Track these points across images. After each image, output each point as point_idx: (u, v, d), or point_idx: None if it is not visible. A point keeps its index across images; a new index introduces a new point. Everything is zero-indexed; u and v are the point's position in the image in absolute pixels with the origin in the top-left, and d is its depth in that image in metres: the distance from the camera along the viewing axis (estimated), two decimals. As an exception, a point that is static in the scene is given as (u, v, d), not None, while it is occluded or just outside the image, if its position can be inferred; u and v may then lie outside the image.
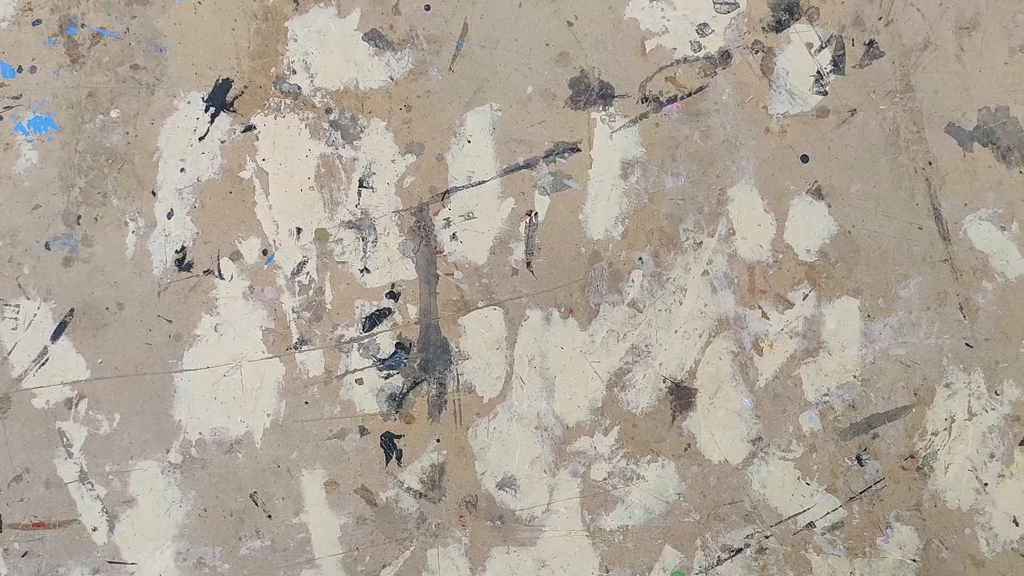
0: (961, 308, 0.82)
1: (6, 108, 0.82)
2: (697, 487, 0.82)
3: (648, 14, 0.83)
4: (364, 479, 0.81)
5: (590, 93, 0.83)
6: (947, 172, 0.83)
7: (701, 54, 0.83)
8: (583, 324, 0.82)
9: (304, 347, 0.81)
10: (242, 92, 0.83)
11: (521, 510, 0.81)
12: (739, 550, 0.81)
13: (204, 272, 0.82)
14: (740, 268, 0.82)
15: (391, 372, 0.81)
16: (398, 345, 0.81)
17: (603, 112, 0.83)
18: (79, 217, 0.82)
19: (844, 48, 0.83)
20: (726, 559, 0.81)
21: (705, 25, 0.83)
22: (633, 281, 0.82)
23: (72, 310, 0.81)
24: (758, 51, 0.84)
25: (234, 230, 0.82)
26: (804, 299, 0.82)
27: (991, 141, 0.83)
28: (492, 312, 0.82)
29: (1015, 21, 0.83)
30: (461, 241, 0.82)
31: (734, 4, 0.84)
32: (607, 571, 0.81)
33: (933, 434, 0.82)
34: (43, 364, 0.81)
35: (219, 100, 0.83)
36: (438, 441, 0.82)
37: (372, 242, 0.82)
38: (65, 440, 0.81)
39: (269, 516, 0.81)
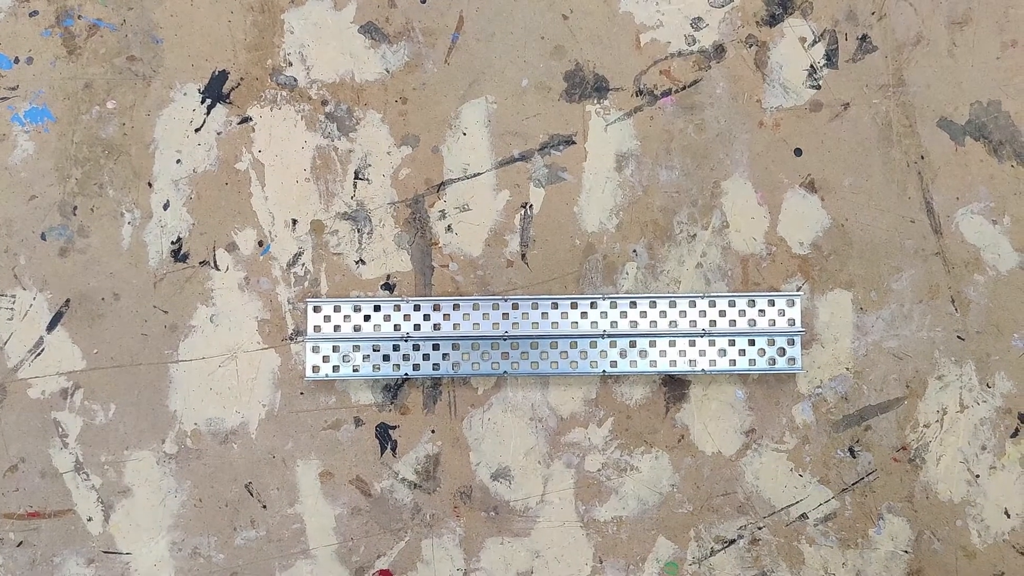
0: (953, 301, 0.82)
1: (3, 99, 0.82)
2: (691, 478, 0.82)
3: (643, 8, 0.84)
4: (359, 470, 0.81)
5: (585, 86, 0.83)
6: (939, 166, 0.83)
7: (695, 48, 0.84)
8: (577, 316, 0.82)
9: (299, 338, 0.82)
10: (238, 84, 0.83)
11: (515, 501, 0.82)
12: (732, 541, 0.82)
13: (200, 263, 0.82)
14: (734, 260, 0.83)
15: (386, 363, 0.82)
16: (393, 336, 0.82)
17: (598, 105, 0.83)
18: (75, 208, 0.82)
19: (837, 42, 0.84)
20: (719, 550, 0.82)
21: (699, 19, 0.84)
22: (627, 273, 0.82)
23: (68, 300, 0.81)
24: (752, 45, 0.84)
25: (230, 221, 0.82)
26: (797, 291, 0.82)
27: (983, 135, 0.83)
28: (487, 304, 0.82)
29: (1007, 16, 0.84)
30: (456, 233, 0.83)
31: (728, -2, 0.84)
32: (601, 562, 0.82)
33: (925, 426, 0.82)
34: (39, 354, 0.81)
35: (215, 92, 0.83)
36: (433, 432, 0.82)
37: (367, 234, 0.83)
38: (60, 430, 0.81)
39: (264, 506, 0.81)
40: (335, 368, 0.80)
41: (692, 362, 0.80)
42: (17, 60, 0.83)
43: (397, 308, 0.80)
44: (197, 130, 0.83)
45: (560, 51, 0.84)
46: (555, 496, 0.82)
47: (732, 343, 0.80)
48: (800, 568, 0.82)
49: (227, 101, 0.83)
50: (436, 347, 0.80)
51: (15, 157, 0.82)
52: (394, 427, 0.82)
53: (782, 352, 0.80)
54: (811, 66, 0.84)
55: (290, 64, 0.83)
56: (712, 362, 0.80)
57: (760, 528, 0.82)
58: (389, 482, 0.81)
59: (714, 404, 0.82)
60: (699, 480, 0.82)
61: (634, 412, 0.82)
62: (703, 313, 0.81)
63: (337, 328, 0.80)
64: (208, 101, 0.83)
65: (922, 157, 0.83)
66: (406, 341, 0.80)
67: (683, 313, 0.81)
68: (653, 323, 0.80)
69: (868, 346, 0.82)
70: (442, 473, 0.82)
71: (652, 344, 0.80)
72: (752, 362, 0.80)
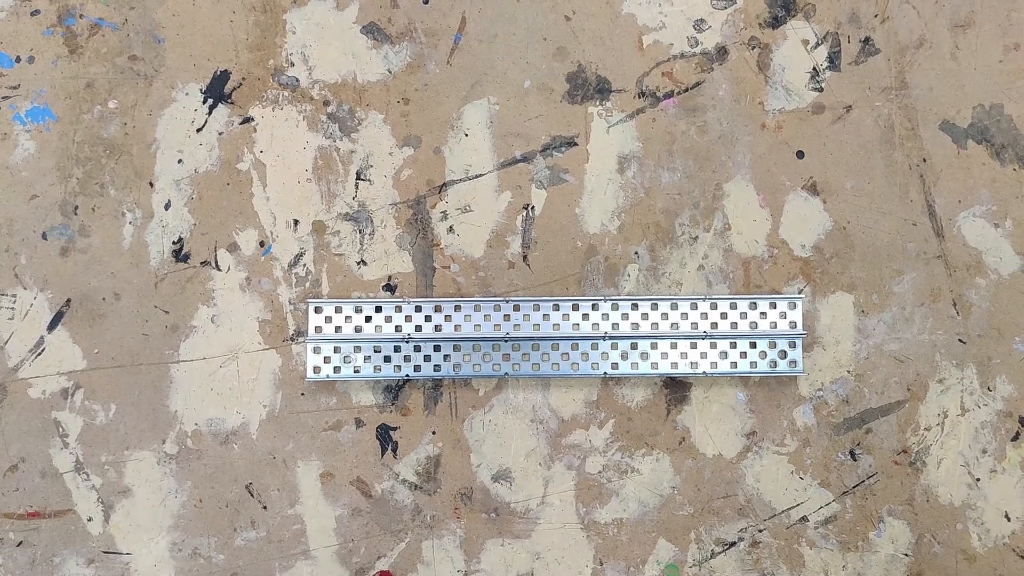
0: (954, 304, 0.82)
1: (4, 98, 0.82)
2: (691, 481, 0.82)
3: (645, 9, 0.84)
4: (359, 471, 0.81)
5: (587, 87, 0.83)
6: (941, 169, 0.83)
7: (698, 50, 0.84)
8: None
9: (300, 338, 0.82)
10: (240, 84, 0.83)
11: (516, 503, 0.82)
12: (733, 544, 0.82)
13: (201, 263, 0.82)
14: (735, 263, 0.83)
15: (387, 364, 0.82)
16: (394, 337, 0.82)
17: (600, 107, 0.83)
18: (76, 207, 0.82)
19: (840, 45, 0.84)
20: (720, 552, 0.82)
21: (702, 21, 0.84)
22: (629, 275, 0.82)
23: (69, 300, 0.81)
24: (755, 47, 0.84)
25: (231, 221, 0.82)
26: (799, 294, 0.82)
27: (985, 139, 0.83)
28: (488, 305, 0.82)
29: (1009, 19, 0.84)
30: (458, 234, 0.83)
31: (731, 0, 0.84)
32: (601, 564, 0.82)
33: (926, 429, 0.82)
34: (39, 354, 0.81)
35: (217, 92, 0.83)
36: (434, 433, 0.82)
37: (369, 234, 0.82)
38: (61, 430, 0.81)
39: (264, 507, 0.81)
40: (336, 369, 0.80)
41: (693, 364, 0.80)
42: (19, 59, 0.82)
43: (398, 309, 0.80)
44: (199, 130, 0.83)
45: (562, 52, 0.84)
46: (556, 498, 0.82)
47: (733, 346, 0.80)
48: (800, 571, 0.82)
49: (229, 101, 0.83)
50: (437, 348, 0.80)
51: (16, 156, 0.82)
52: (395, 428, 0.82)
53: (783, 355, 0.80)
54: (814, 68, 0.84)
55: (292, 64, 0.83)
56: (713, 364, 0.80)
57: (761, 531, 0.82)
58: (390, 483, 0.81)
59: (715, 406, 0.82)
60: (700, 482, 0.82)
61: (635, 414, 0.82)
62: (704, 315, 0.81)
63: (338, 329, 0.80)
64: (210, 101, 0.83)
65: (924, 160, 0.83)
66: (407, 342, 0.80)
67: (684, 315, 0.81)
68: (654, 325, 0.80)
69: (869, 349, 0.82)
70: (443, 474, 0.82)
71: (653, 346, 0.80)
72: (753, 365, 0.80)
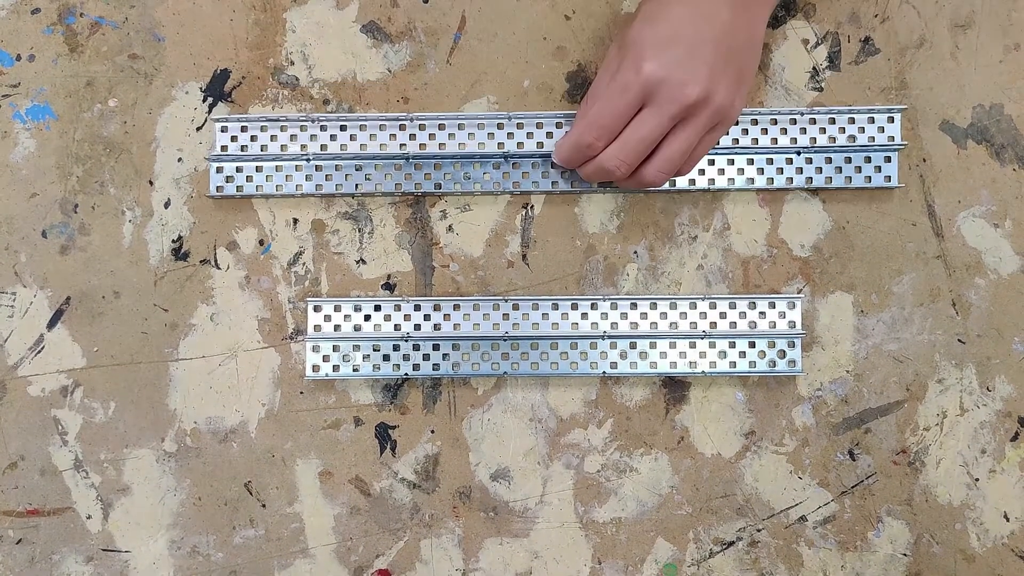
0: (954, 304, 0.82)
1: (4, 96, 0.82)
2: (690, 480, 0.82)
3: (645, 9, 0.84)
4: (358, 469, 0.81)
5: (587, 87, 0.83)
6: (941, 169, 0.83)
7: (698, 49, 0.83)
8: (578, 317, 0.82)
9: (299, 337, 0.82)
10: (240, 83, 0.83)
11: (515, 502, 0.82)
12: (731, 543, 0.82)
13: (200, 262, 0.82)
14: (735, 263, 0.83)
15: (386, 363, 0.82)
16: (393, 336, 0.82)
17: (600, 106, 0.83)
18: (76, 206, 0.82)
19: (840, 45, 0.84)
20: (718, 552, 0.82)
21: (702, 20, 0.84)
22: (628, 275, 0.82)
23: (68, 298, 0.81)
24: (754, 47, 0.84)
25: (231, 220, 0.82)
26: (798, 294, 0.82)
27: (985, 139, 0.83)
28: (487, 304, 0.82)
29: (1010, 19, 0.84)
30: (457, 233, 0.83)
31: (731, 0, 0.84)
32: (600, 563, 0.82)
33: (925, 429, 0.82)
34: (39, 352, 0.81)
35: (217, 90, 0.83)
36: (432, 432, 0.82)
37: (368, 233, 0.83)
38: (60, 428, 0.81)
39: (263, 505, 0.81)
40: (335, 368, 0.80)
41: (692, 364, 0.80)
42: (19, 57, 0.83)
43: (397, 308, 0.80)
44: (199, 128, 0.83)
45: (562, 52, 0.84)
46: (554, 497, 0.82)
47: (732, 345, 0.80)
48: (799, 570, 0.82)
49: (229, 100, 0.83)
50: (436, 347, 0.80)
51: (16, 155, 0.82)
52: (394, 427, 0.82)
53: (782, 354, 0.80)
54: (813, 68, 0.84)
55: (292, 63, 0.83)
56: (712, 364, 0.80)
57: (759, 530, 0.82)
58: (388, 482, 0.81)
59: (714, 406, 0.82)
60: (698, 482, 0.82)
61: (634, 413, 0.82)
62: (704, 315, 0.81)
63: (337, 327, 0.80)
64: (210, 100, 0.83)
65: (924, 160, 0.83)
66: (406, 341, 0.80)
67: (684, 315, 0.81)
68: (653, 325, 0.80)
69: (868, 349, 0.82)
70: (441, 473, 0.82)
71: (652, 346, 0.80)
72: (752, 364, 0.80)
